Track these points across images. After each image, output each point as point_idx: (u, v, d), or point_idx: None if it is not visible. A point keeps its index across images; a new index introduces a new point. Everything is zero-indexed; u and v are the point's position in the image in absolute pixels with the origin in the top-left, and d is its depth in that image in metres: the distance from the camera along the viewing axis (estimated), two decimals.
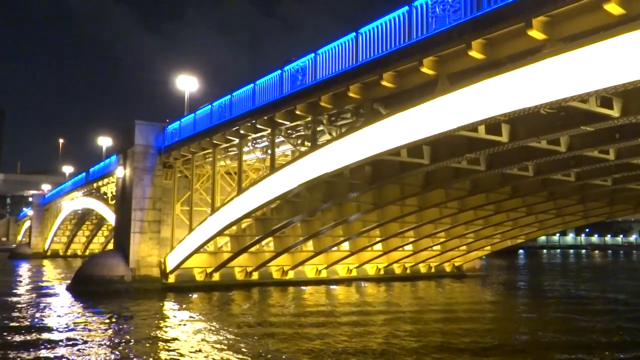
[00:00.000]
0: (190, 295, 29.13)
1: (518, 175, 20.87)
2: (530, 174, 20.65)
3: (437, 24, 13.52)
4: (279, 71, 20.62)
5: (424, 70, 14.07)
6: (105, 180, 44.32)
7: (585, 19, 11.04)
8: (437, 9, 13.57)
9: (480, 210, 28.86)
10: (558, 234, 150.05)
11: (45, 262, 65.28)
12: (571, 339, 18.26)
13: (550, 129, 14.36)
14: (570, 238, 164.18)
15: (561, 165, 19.16)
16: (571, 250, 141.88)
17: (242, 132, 23.98)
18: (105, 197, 45.58)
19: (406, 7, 14.37)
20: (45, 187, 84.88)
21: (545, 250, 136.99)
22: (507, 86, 12.26)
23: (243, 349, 15.80)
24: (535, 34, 11.42)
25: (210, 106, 26.54)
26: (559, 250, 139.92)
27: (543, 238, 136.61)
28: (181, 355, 15.27)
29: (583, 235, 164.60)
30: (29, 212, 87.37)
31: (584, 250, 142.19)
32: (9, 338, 17.58)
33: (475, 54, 12.72)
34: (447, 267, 43.62)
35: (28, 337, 17.83)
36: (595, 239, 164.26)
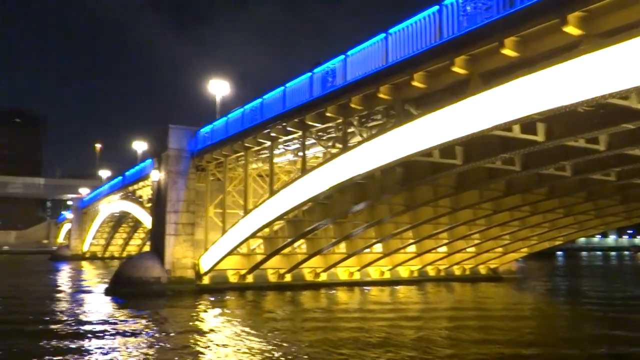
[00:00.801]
0: (224, 296, 29.51)
1: (555, 175, 20.33)
2: (568, 173, 20.08)
3: (469, 22, 13.31)
4: (309, 74, 20.66)
5: (456, 69, 13.85)
6: (141, 184, 45.31)
7: (624, 13, 10.64)
8: (469, 8, 13.37)
9: (516, 212, 28.23)
10: (599, 236, 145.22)
11: (84, 263, 67.24)
12: (613, 336, 17.73)
13: (589, 127, 13.91)
14: (611, 240, 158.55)
15: (601, 165, 18.55)
16: (613, 252, 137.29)
17: (273, 134, 24.12)
18: (140, 200, 46.60)
19: (436, 7, 14.20)
20: (84, 191, 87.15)
21: (585, 252, 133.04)
22: (542, 84, 11.94)
23: (278, 351, 15.88)
24: (571, 29, 11.09)
25: (241, 110, 26.81)
26: (599, 252, 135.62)
27: (582, 239, 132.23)
28: (216, 355, 15.48)
29: (626, 236, 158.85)
30: (68, 215, 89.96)
31: (627, 252, 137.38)
32: (51, 334, 18.30)
33: (508, 52, 12.45)
34: (482, 270, 42.80)
35: (68, 333, 18.60)
36: (638, 240, 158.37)
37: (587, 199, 26.43)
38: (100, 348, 16.10)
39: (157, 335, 18.57)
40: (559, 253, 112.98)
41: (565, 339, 17.76)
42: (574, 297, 33.15)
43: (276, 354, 15.22)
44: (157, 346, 16.72)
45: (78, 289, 35.16)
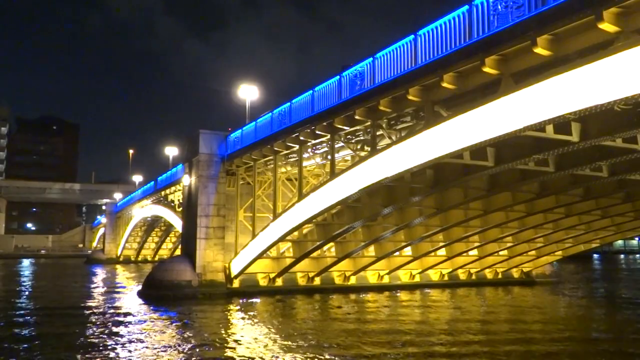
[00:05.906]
0: (254, 300, 29.72)
1: (591, 176, 19.76)
2: (605, 174, 19.49)
3: (499, 21, 13.09)
4: (337, 77, 20.65)
5: (486, 69, 13.63)
6: (173, 188, 46.01)
7: None
8: (499, 7, 13.15)
9: (549, 214, 27.58)
10: (638, 238, 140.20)
11: (118, 267, 68.64)
12: None
13: (626, 126, 13.50)
14: None
15: (639, 165, 17.96)
16: None
17: (301, 138, 24.19)
18: (172, 204, 47.28)
19: (466, 7, 14.01)
20: (117, 196, 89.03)
21: (622, 255, 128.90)
22: (576, 83, 11.64)
23: (305, 355, 15.88)
24: (607, 26, 10.79)
25: (270, 114, 26.99)
26: (638, 255, 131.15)
27: (620, 242, 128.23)
28: (243, 357, 15.58)
29: None
30: (103, 219, 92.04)
31: None
32: (85, 335, 18.83)
33: (541, 50, 12.19)
34: (515, 273, 41.95)
35: (100, 333, 19.16)
36: None
37: (625, 200, 25.62)
38: (129, 346, 16.57)
39: (185, 336, 18.85)
40: (595, 256, 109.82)
41: None
42: (615, 304, 32.12)
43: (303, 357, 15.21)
44: (184, 346, 16.97)
45: (112, 292, 35.96)
